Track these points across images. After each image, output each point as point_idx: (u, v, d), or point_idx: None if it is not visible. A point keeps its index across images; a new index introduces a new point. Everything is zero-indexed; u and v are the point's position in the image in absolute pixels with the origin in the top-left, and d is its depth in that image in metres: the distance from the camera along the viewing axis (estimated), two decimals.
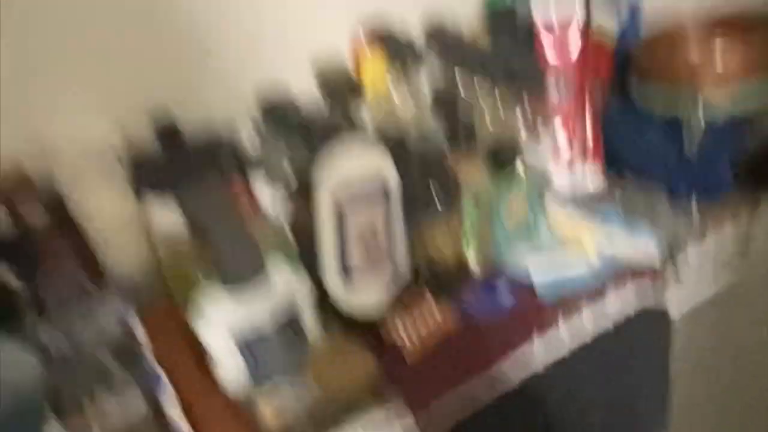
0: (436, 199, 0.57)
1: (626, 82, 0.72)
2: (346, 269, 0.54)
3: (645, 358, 0.61)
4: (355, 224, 0.54)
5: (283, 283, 0.51)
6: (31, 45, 0.59)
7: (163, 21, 0.65)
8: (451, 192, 0.57)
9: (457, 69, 0.70)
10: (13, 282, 0.56)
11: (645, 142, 0.68)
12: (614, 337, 0.56)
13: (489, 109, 0.66)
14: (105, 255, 0.63)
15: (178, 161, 0.62)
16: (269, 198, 0.60)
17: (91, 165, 0.60)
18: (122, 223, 0.63)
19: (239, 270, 0.49)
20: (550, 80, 0.68)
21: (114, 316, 0.57)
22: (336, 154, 0.51)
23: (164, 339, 0.58)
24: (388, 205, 0.55)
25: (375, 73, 0.75)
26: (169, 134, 0.64)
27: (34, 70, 0.61)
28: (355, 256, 0.54)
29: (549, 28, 0.72)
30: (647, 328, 0.60)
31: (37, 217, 0.58)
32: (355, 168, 0.52)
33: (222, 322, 0.49)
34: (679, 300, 0.62)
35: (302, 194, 0.54)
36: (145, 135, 0.65)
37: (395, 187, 0.55)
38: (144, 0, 0.63)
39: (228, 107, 0.68)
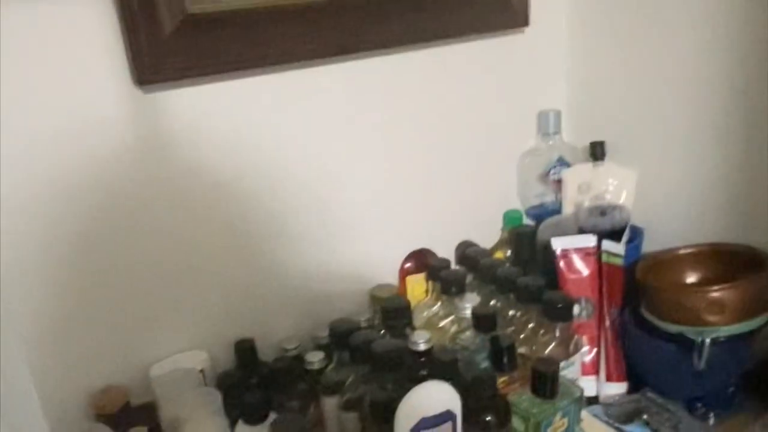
0: (488, 421, 0.65)
1: (637, 301, 0.84)
2: None
3: None
4: None
5: None
6: (139, 289, 0.71)
7: (248, 270, 0.79)
8: (501, 414, 0.66)
9: (493, 293, 0.82)
10: None
11: (658, 357, 0.78)
12: None
13: (526, 332, 0.77)
14: None
15: (260, 386, 0.71)
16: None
17: (186, 389, 0.69)
18: None
19: None
20: (575, 303, 0.79)
21: None
22: (415, 394, 0.60)
23: None
24: None
25: (422, 297, 0.88)
26: (250, 360, 0.74)
27: (140, 309, 0.72)
28: None
29: (565, 253, 0.85)
30: None
31: None
32: (431, 406, 0.61)
33: None
34: None
35: (377, 423, 0.63)
36: (229, 360, 0.76)
37: (460, 420, 0.63)
38: (232, 248, 0.77)
39: (302, 334, 0.80)
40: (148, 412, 0.69)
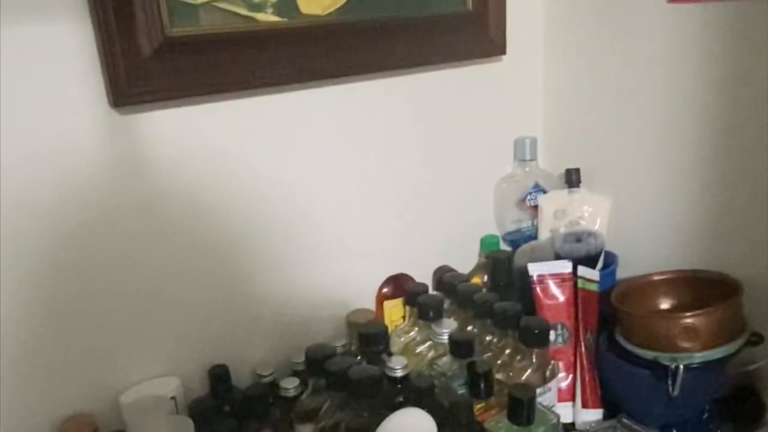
0: None
1: (612, 327, 0.84)
2: None
3: None
4: None
5: None
6: (110, 313, 0.70)
7: (223, 294, 0.78)
8: None
9: (471, 318, 0.82)
10: None
11: (633, 383, 0.78)
12: None
13: (503, 357, 0.77)
14: None
15: (234, 413, 0.70)
16: None
17: (157, 417, 0.68)
18: None
19: None
20: (551, 329, 0.79)
21: None
22: (392, 422, 0.59)
23: None
24: None
25: (399, 322, 0.88)
26: (224, 387, 0.73)
27: (110, 333, 0.70)
28: None
29: (542, 278, 0.85)
30: None
31: None
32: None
33: None
34: None
35: None
36: (202, 387, 0.75)
37: None
38: (206, 272, 0.76)
39: (277, 360, 0.78)
40: None
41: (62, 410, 0.68)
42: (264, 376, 0.75)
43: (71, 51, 0.62)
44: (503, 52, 0.94)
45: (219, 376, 0.73)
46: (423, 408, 0.65)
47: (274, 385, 0.74)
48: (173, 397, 0.71)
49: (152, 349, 0.73)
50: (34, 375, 0.66)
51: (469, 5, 0.88)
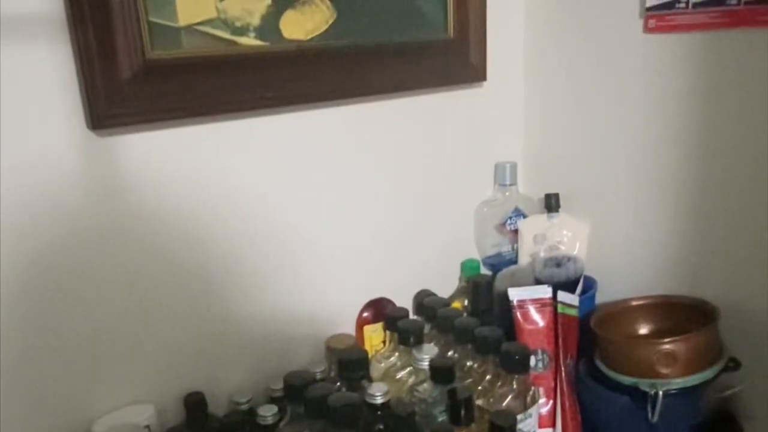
0: None
1: (592, 352, 0.85)
2: None
3: None
4: None
5: None
6: (82, 338, 0.68)
7: (199, 320, 0.76)
8: None
9: (451, 343, 0.82)
10: None
11: (612, 409, 0.78)
12: None
13: (484, 383, 0.76)
14: None
15: None
16: None
17: None
18: None
19: None
20: (532, 354, 0.79)
21: None
22: None
23: None
24: None
25: (379, 347, 0.87)
26: (200, 415, 0.71)
27: (82, 360, 0.68)
28: None
29: (521, 303, 0.86)
30: None
31: None
32: None
33: None
34: None
35: None
36: (177, 414, 0.73)
37: None
38: (183, 296, 0.74)
39: (254, 387, 0.77)
40: None
41: None
42: (241, 404, 0.74)
43: (50, 72, 0.61)
44: (484, 78, 0.95)
45: (195, 403, 0.71)
46: None
47: (251, 413, 0.73)
48: (147, 426, 0.69)
49: (126, 375, 0.71)
50: (3, 404, 0.64)
51: (450, 32, 0.89)
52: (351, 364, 0.74)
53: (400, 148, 0.91)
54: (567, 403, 0.83)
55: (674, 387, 0.74)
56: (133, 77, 0.63)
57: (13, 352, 0.64)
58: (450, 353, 0.82)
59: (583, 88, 0.95)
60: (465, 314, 0.86)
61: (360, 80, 0.81)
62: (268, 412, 0.72)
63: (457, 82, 0.93)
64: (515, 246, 1.01)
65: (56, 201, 0.63)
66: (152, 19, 0.64)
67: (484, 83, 0.96)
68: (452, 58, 0.90)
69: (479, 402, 0.74)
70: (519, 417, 0.71)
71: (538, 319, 0.85)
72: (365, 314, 0.90)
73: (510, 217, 1.01)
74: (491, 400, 0.75)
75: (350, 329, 0.89)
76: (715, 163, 0.83)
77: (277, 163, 0.78)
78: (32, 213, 0.62)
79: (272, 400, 0.75)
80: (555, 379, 0.84)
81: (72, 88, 0.62)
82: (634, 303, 0.88)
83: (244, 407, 0.74)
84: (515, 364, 0.74)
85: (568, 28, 0.95)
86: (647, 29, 0.85)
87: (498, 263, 1.02)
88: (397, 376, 0.79)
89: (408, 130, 0.91)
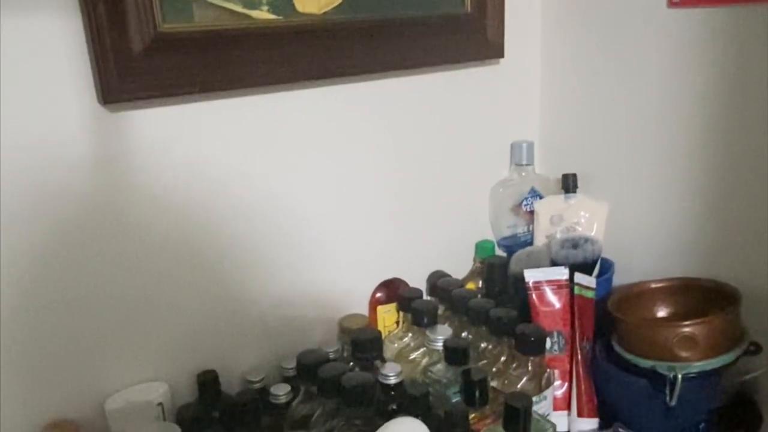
0: None
1: (609, 334, 0.83)
2: None
3: None
4: None
5: None
6: (95, 315, 0.68)
7: (212, 298, 0.76)
8: None
9: (465, 325, 0.81)
10: None
11: (630, 392, 0.77)
12: None
13: (498, 365, 0.75)
14: None
15: (222, 420, 0.68)
16: None
17: (143, 424, 0.66)
18: None
19: None
20: (547, 336, 0.78)
21: None
22: (385, 430, 0.58)
23: None
24: None
25: (392, 328, 0.86)
26: (213, 393, 0.71)
27: (95, 337, 0.68)
28: None
29: (537, 285, 0.84)
30: None
31: None
32: None
33: None
34: None
35: None
36: (190, 393, 0.73)
37: None
38: (196, 275, 0.74)
39: (267, 366, 0.77)
40: None
41: (45, 416, 0.66)
42: (254, 382, 0.74)
43: (60, 46, 0.60)
44: (501, 54, 0.93)
45: (208, 381, 0.71)
46: (417, 416, 0.63)
47: (264, 392, 0.72)
48: (160, 404, 0.69)
49: (139, 353, 0.71)
50: (15, 379, 0.64)
51: (468, 7, 0.87)
52: (364, 344, 0.74)
53: (415, 126, 0.89)
54: (583, 386, 0.81)
55: (693, 370, 0.73)
56: (144, 51, 0.62)
57: (24, 330, 0.64)
58: (464, 335, 0.81)
59: (602, 65, 0.93)
60: (479, 296, 0.85)
61: (373, 56, 0.79)
62: (280, 391, 0.71)
63: (473, 59, 0.90)
64: (531, 227, 1.00)
65: (68, 175, 0.63)
66: None
67: (502, 60, 0.94)
68: (469, 33, 0.88)
69: (493, 384, 0.73)
70: (534, 399, 0.70)
71: (554, 300, 0.83)
72: (378, 295, 0.89)
73: (526, 198, 0.99)
74: (506, 382, 0.74)
75: (363, 310, 0.88)
76: (738, 143, 0.81)
77: (288, 140, 0.77)
78: (43, 188, 0.62)
79: (285, 380, 0.74)
80: (571, 362, 0.83)
81: (83, 63, 0.61)
82: (653, 285, 0.87)
83: (256, 386, 0.73)
84: (530, 346, 0.73)
85: (588, 3, 0.92)
86: (671, 4, 0.83)
87: (513, 245, 1.00)
88: (411, 357, 0.79)
89: (423, 108, 0.89)
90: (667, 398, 0.73)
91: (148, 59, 0.62)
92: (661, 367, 0.74)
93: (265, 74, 0.71)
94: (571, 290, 0.84)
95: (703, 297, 0.82)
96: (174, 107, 0.67)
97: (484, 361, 0.77)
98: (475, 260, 1.00)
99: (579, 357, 0.82)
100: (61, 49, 0.60)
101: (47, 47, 0.59)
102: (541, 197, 0.99)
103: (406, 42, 0.82)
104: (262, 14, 0.70)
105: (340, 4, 0.75)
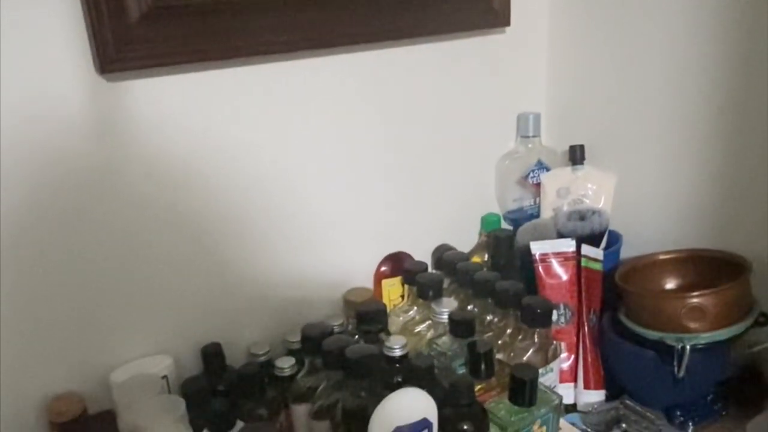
0: (465, 430, 0.63)
1: (616, 307, 0.82)
2: None
3: None
4: None
5: None
6: (99, 288, 0.68)
7: (217, 271, 0.75)
8: (478, 423, 0.64)
9: (471, 298, 0.80)
10: None
11: (637, 364, 0.77)
12: None
13: (504, 337, 0.75)
14: None
15: (227, 393, 0.68)
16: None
17: (147, 396, 0.66)
18: None
19: None
20: (554, 308, 0.77)
21: None
22: (390, 402, 0.57)
23: None
24: None
25: (397, 301, 0.86)
26: (217, 366, 0.71)
27: (100, 310, 0.68)
28: None
29: (544, 257, 0.83)
30: None
31: None
32: (406, 414, 0.58)
33: None
34: None
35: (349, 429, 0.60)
36: (195, 365, 0.73)
37: (436, 428, 0.61)
38: (199, 248, 0.73)
39: (272, 339, 0.76)
40: (106, 421, 0.66)
41: (51, 389, 0.66)
42: (258, 355, 0.73)
43: (56, 14, 0.59)
44: (507, 23, 0.90)
45: (212, 354, 0.71)
46: (422, 388, 0.63)
47: (269, 365, 0.72)
48: (165, 376, 0.69)
49: (144, 326, 0.71)
50: (22, 353, 0.64)
51: None
52: (369, 316, 0.73)
53: (418, 96, 0.87)
54: (589, 358, 0.81)
55: (702, 342, 0.72)
56: (141, 19, 0.61)
57: (29, 304, 0.64)
58: (469, 307, 0.80)
59: (610, 34, 0.91)
60: (485, 269, 0.84)
61: (375, 24, 0.77)
62: (285, 364, 0.71)
63: (479, 28, 0.88)
64: (537, 200, 0.99)
65: (66, 144, 0.62)
66: None
67: (507, 29, 0.92)
68: (474, 1, 0.86)
69: (499, 356, 0.72)
70: (540, 371, 0.70)
71: (561, 272, 0.83)
72: (383, 268, 0.88)
73: (533, 170, 0.98)
74: (512, 354, 0.73)
75: (368, 283, 0.88)
76: (747, 114, 0.79)
77: (291, 111, 0.76)
78: (41, 158, 0.61)
79: (290, 353, 0.74)
80: (577, 334, 0.82)
81: (80, 32, 0.60)
82: (661, 257, 0.85)
83: (261, 359, 0.73)
84: (537, 318, 0.72)
85: None
86: None
87: (519, 218, 0.99)
88: (416, 330, 0.78)
89: (427, 78, 0.87)
90: (675, 370, 0.72)
91: (145, 28, 0.61)
92: (669, 338, 0.73)
93: (264, 43, 0.69)
94: (578, 262, 0.83)
95: (712, 268, 0.81)
96: (173, 77, 0.66)
97: (490, 334, 0.76)
98: (480, 233, 0.99)
99: (586, 329, 0.82)
100: (58, 19, 0.59)
101: (44, 17, 0.58)
102: (547, 169, 0.98)
103: (410, 9, 0.80)
104: None
105: None
